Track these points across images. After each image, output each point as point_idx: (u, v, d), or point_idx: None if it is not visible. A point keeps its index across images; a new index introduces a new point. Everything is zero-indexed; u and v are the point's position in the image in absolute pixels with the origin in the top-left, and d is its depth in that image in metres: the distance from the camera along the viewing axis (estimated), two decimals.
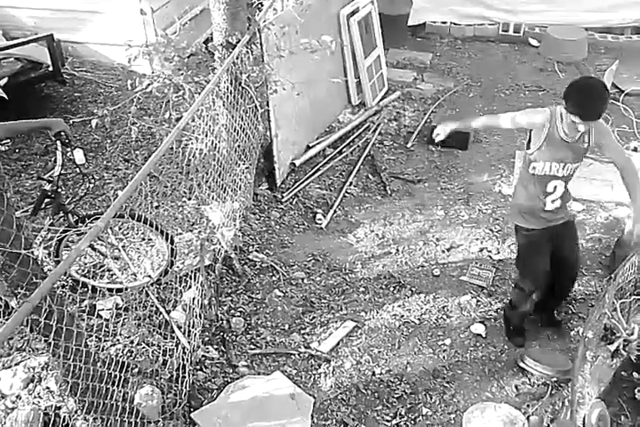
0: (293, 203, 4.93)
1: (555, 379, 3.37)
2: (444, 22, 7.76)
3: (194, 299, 3.67)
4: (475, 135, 5.76)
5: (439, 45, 7.55)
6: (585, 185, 5.01)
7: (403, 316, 3.95)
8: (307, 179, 5.19)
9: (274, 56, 4.68)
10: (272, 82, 4.67)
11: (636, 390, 3.06)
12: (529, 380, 3.49)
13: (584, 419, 2.88)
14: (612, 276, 3.41)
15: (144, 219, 3.58)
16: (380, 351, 3.70)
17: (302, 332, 3.81)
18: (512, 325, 3.79)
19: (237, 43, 4.31)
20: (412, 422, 3.29)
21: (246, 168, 4.68)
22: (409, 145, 5.71)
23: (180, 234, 4.28)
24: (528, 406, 3.27)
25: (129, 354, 3.35)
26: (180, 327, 3.54)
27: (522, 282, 3.64)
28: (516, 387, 3.46)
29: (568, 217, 3.51)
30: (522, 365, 3.54)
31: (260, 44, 4.59)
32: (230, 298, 3.96)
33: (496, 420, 2.97)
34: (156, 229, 3.68)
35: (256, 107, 4.66)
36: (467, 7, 7.57)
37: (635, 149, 5.42)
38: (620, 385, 3.17)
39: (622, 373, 3.23)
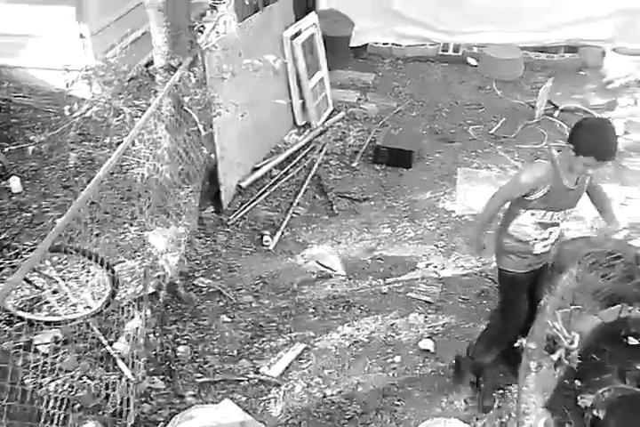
0: (240, 225, 4.89)
1: (501, 391, 3.42)
2: (386, 43, 7.93)
3: (137, 329, 3.57)
4: (418, 153, 5.87)
5: (381, 66, 7.70)
6: None
7: (352, 335, 3.94)
8: (253, 201, 5.17)
9: (217, 78, 4.68)
10: (215, 104, 4.65)
11: (578, 398, 3.12)
12: (478, 394, 3.52)
13: None
14: (552, 287, 3.48)
15: (81, 251, 3.47)
16: (330, 373, 3.67)
17: (251, 357, 3.75)
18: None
19: (179, 66, 4.29)
20: None
21: (191, 192, 4.63)
22: (354, 164, 5.76)
23: (123, 262, 4.18)
24: (477, 419, 3.29)
25: (69, 389, 3.22)
26: (123, 359, 3.44)
27: (501, 329, 3.44)
28: (465, 401, 3.47)
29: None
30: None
31: (203, 67, 4.58)
32: (176, 326, 3.87)
33: None
34: (95, 259, 3.56)
35: (199, 129, 4.63)
36: (407, 28, 7.76)
37: None
38: (563, 393, 3.22)
39: (565, 381, 3.29)
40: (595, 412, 3.06)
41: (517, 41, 7.56)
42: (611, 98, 6.66)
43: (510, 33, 7.53)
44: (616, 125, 2.98)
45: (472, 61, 7.68)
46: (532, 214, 3.11)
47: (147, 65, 5.64)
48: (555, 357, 3.19)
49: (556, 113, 6.46)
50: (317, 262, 4.43)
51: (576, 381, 3.25)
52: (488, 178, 5.51)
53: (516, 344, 3.31)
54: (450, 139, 6.23)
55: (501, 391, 3.30)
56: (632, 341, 3.52)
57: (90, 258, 3.58)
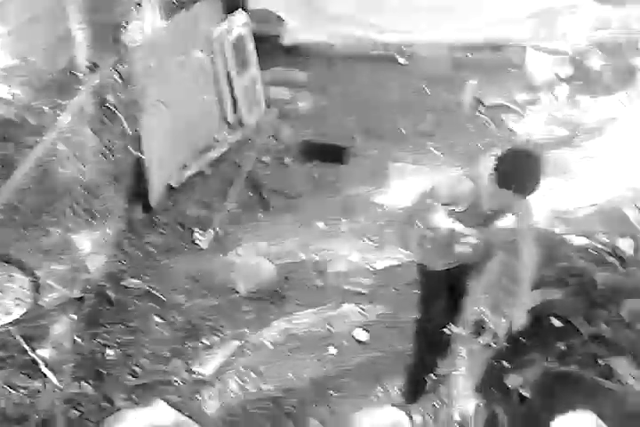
0: (171, 225, 4.78)
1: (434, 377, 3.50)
2: (317, 42, 7.95)
3: (63, 334, 3.44)
4: (351, 150, 5.92)
5: (313, 64, 7.69)
6: None
7: (287, 330, 3.93)
8: (184, 199, 5.07)
9: (143, 77, 4.58)
10: (142, 103, 4.55)
11: (505, 378, 3.20)
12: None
13: (462, 412, 2.98)
14: (479, 272, 3.58)
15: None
16: (265, 368, 3.65)
17: (184, 357, 3.68)
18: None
19: (103, 64, 4.18)
20: None
21: (118, 191, 4.52)
22: (287, 161, 5.75)
23: (47, 266, 4.01)
24: (411, 405, 3.33)
25: None
26: (47, 365, 3.30)
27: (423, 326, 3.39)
28: (399, 388, 3.51)
29: None
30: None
31: (128, 65, 4.48)
32: (105, 329, 3.76)
33: (381, 422, 3.00)
34: (15, 265, 3.40)
35: (126, 128, 4.52)
36: (339, 27, 7.81)
37: None
38: (492, 375, 3.31)
39: (493, 363, 3.38)
40: (522, 391, 3.16)
41: (445, 40, 7.74)
42: (533, 94, 6.91)
43: (438, 32, 7.70)
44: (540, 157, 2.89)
45: (401, 60, 7.80)
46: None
47: (69, 64, 5.48)
48: (482, 340, 3.28)
49: (483, 109, 6.65)
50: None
51: (503, 362, 3.35)
52: (419, 173, 5.61)
53: (444, 330, 3.37)
54: (381, 135, 6.31)
55: (433, 378, 3.35)
56: (554, 322, 3.65)
57: (8, 263, 3.42)
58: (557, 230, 4.40)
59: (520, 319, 3.06)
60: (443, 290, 3.32)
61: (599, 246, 3.78)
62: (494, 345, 3.26)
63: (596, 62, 6.58)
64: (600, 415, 2.64)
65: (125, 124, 4.53)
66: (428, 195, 3.10)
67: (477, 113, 6.57)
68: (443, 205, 2.96)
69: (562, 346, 3.44)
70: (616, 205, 4.69)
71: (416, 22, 7.62)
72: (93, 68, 4.36)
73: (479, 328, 3.29)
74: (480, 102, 6.75)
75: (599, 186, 5.28)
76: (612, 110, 6.42)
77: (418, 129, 6.38)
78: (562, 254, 3.79)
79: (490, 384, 3.17)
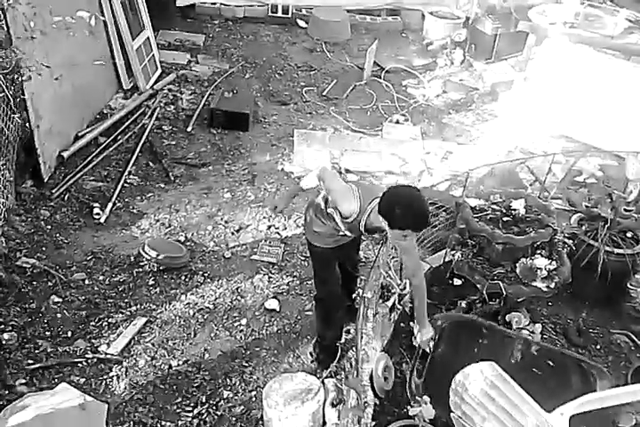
0: (65, 199, 4.51)
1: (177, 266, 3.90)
2: (214, 3, 7.64)
3: None
4: (254, 116, 5.80)
5: (211, 26, 7.43)
6: (356, 157, 5.34)
7: (196, 303, 3.86)
8: (78, 171, 4.79)
9: (24, 38, 4.20)
10: (25, 67, 4.19)
11: (412, 338, 3.34)
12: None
13: (371, 373, 3.08)
14: (384, 238, 3.66)
15: None
16: (175, 343, 3.58)
17: (88, 337, 3.53)
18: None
19: None
20: (214, 407, 3.25)
21: (3, 165, 4.18)
22: (189, 129, 5.55)
23: None
24: (322, 370, 3.40)
25: None
26: None
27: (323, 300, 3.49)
28: (310, 354, 3.58)
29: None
30: (141, 252, 4.03)
31: (6, 26, 4.08)
32: None
33: (293, 389, 3.04)
34: None
35: (8, 96, 4.15)
36: None
37: (397, 122, 5.90)
38: (400, 336, 3.44)
39: (401, 324, 3.51)
40: (427, 349, 3.30)
41: (343, 4, 7.68)
42: (430, 58, 7.05)
43: None
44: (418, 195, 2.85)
45: (302, 23, 7.68)
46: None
47: None
48: (389, 303, 3.38)
49: (383, 74, 6.71)
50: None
51: (410, 322, 3.48)
52: (323, 138, 5.62)
53: (353, 295, 3.45)
54: (284, 101, 6.23)
55: (342, 342, 3.43)
56: (456, 281, 3.83)
57: None
58: (455, 193, 4.57)
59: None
60: (335, 267, 3.38)
61: (494, 207, 3.95)
62: (400, 307, 3.37)
63: (487, 27, 6.77)
64: (499, 363, 2.80)
65: (8, 91, 4.15)
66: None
67: (378, 78, 6.62)
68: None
69: (463, 304, 3.63)
70: (510, 166, 4.93)
71: None
72: None
73: (386, 291, 3.38)
74: (380, 67, 6.80)
75: (494, 148, 5.53)
76: (504, 74, 6.69)
77: (320, 94, 6.35)
78: (460, 216, 3.94)
79: (398, 344, 3.29)
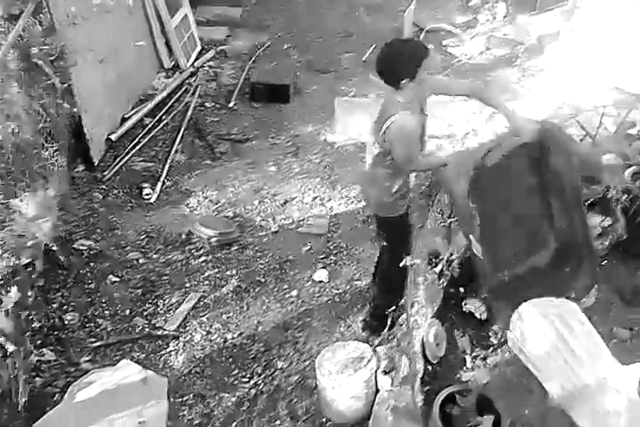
0: (116, 180, 4.65)
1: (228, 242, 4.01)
2: None
3: (17, 303, 3.37)
4: (295, 87, 5.76)
5: None
6: None
7: (247, 277, 3.94)
8: (127, 153, 4.90)
9: (67, 24, 4.29)
10: (69, 53, 4.28)
11: (462, 304, 3.31)
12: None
13: (422, 339, 3.08)
14: (431, 203, 3.61)
15: None
16: (229, 317, 3.68)
17: (145, 314, 3.67)
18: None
19: (21, 13, 3.88)
20: (270, 377, 3.34)
21: (55, 151, 4.31)
22: (231, 104, 5.58)
23: None
24: (374, 338, 3.43)
25: None
26: (5, 335, 3.24)
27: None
28: (361, 322, 3.60)
29: None
30: (192, 229, 4.08)
31: (49, 13, 4.16)
32: (60, 293, 3.71)
33: (346, 358, 3.09)
34: None
35: (55, 82, 4.27)
36: None
37: None
38: (450, 302, 3.41)
39: (450, 290, 3.48)
40: (478, 315, 3.27)
41: None
42: (471, 15, 6.77)
43: None
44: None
45: None
46: None
47: None
48: (437, 269, 3.35)
49: (422, 34, 6.50)
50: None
51: (460, 288, 3.44)
52: (365, 106, 5.52)
53: (400, 264, 3.43)
54: (324, 69, 6.14)
55: (393, 309, 3.44)
56: None
57: None
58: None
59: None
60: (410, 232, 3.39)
61: None
62: (449, 273, 3.33)
63: None
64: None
65: (55, 78, 4.26)
66: None
67: (417, 39, 6.43)
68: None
69: None
70: (558, 122, 4.73)
71: None
72: (11, 18, 4.04)
73: (434, 257, 3.35)
74: (419, 28, 6.59)
75: (541, 104, 5.31)
76: (550, 26, 6.36)
77: (360, 60, 6.22)
78: None
79: (448, 310, 3.27)
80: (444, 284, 3.41)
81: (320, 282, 3.89)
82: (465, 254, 3.31)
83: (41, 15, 4.11)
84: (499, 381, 2.91)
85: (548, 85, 5.57)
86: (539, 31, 6.30)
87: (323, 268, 3.99)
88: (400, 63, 2.86)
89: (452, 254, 3.38)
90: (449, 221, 3.52)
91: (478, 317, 3.23)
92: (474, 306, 3.31)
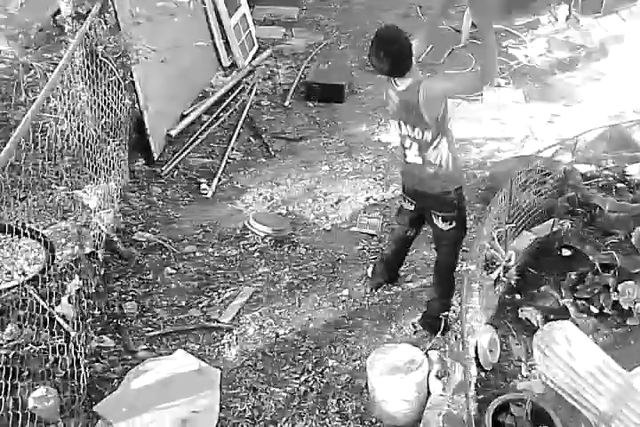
0: (174, 175, 4.76)
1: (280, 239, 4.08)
2: None
3: (79, 290, 3.50)
4: (349, 87, 5.77)
5: None
6: (456, 124, 5.17)
7: (300, 274, 3.97)
8: (185, 149, 5.01)
9: (130, 24, 4.42)
10: (133, 51, 4.41)
11: (519, 311, 3.27)
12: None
13: (476, 345, 3.05)
14: (488, 208, 3.57)
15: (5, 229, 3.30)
16: (281, 313, 3.72)
17: (200, 306, 3.74)
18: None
19: (88, 13, 4.02)
20: (320, 375, 3.36)
21: (117, 145, 4.45)
22: (286, 103, 5.63)
23: (55, 223, 4.02)
24: (426, 341, 3.41)
25: (15, 358, 3.15)
26: (67, 321, 3.37)
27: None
28: (413, 325, 3.60)
29: None
30: (247, 225, 4.18)
31: (115, 13, 4.30)
32: (119, 283, 3.81)
33: (397, 360, 3.08)
34: (16, 232, 3.39)
35: (119, 79, 4.40)
36: None
37: (498, 85, 5.65)
38: (505, 308, 3.37)
39: (506, 297, 3.43)
40: (535, 322, 3.23)
41: None
42: (533, 16, 6.65)
43: None
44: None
45: None
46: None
47: (53, 15, 5.27)
48: (494, 275, 3.31)
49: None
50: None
51: (516, 295, 3.40)
52: None
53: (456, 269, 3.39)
54: None
55: (446, 314, 3.42)
56: (565, 252, 3.67)
57: (17, 233, 3.40)
58: (563, 159, 4.33)
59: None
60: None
61: (607, 173, 3.73)
62: (506, 279, 3.29)
63: None
64: None
65: (118, 75, 4.39)
66: None
67: (476, 40, 6.34)
68: None
69: (573, 276, 3.48)
70: (623, 128, 4.60)
71: None
72: (79, 17, 4.18)
73: (490, 263, 3.31)
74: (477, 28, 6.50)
75: (605, 110, 5.17)
76: (614, 29, 6.19)
77: (416, 60, 6.16)
78: (569, 183, 3.75)
79: (504, 317, 3.23)
80: (500, 290, 3.37)
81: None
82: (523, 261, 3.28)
83: (106, 14, 4.24)
84: (555, 392, 2.86)
85: (611, 90, 5.42)
86: (602, 34, 6.15)
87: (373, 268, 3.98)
88: (406, 53, 2.98)
89: (509, 260, 3.34)
90: (506, 227, 3.47)
91: (535, 324, 3.18)
92: (530, 313, 3.28)
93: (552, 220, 3.73)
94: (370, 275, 3.88)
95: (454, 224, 3.24)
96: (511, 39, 6.35)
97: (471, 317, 3.09)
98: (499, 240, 3.44)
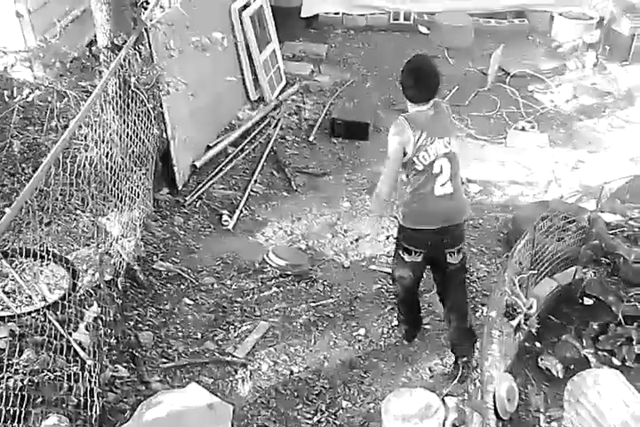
0: (197, 206, 4.80)
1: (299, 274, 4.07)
2: (337, 13, 7.78)
3: (97, 317, 3.50)
4: (374, 125, 5.83)
5: (333, 36, 7.57)
6: (480, 166, 5.20)
7: (316, 311, 3.95)
8: (209, 180, 5.07)
9: (164, 56, 4.53)
10: (164, 83, 4.51)
11: (539, 359, 3.20)
12: (441, 361, 3.59)
13: (494, 394, 2.98)
14: (510, 253, 3.54)
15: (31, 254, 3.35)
16: (296, 349, 3.69)
17: (216, 339, 3.73)
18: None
19: (123, 44, 4.13)
20: (333, 416, 3.31)
21: (143, 174, 4.51)
22: (311, 138, 5.70)
23: (77, 250, 4.06)
24: (442, 387, 3.35)
25: (29, 384, 3.14)
26: (84, 349, 3.36)
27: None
28: (429, 369, 3.54)
29: None
30: (265, 258, 4.19)
31: (149, 45, 4.43)
32: (137, 312, 3.82)
33: (412, 405, 3.02)
34: (42, 256, 3.44)
35: (149, 109, 4.49)
36: None
37: (523, 129, 5.68)
38: (525, 357, 3.31)
39: (526, 344, 3.37)
40: (555, 373, 3.16)
41: (467, 8, 7.53)
42: (560, 62, 6.72)
43: (460, 1, 7.49)
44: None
45: (423, 29, 7.62)
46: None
47: (89, 45, 5.43)
48: (514, 322, 3.26)
49: (507, 79, 6.49)
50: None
51: (536, 343, 3.34)
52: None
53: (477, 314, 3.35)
54: (404, 109, 6.18)
55: (465, 360, 3.36)
56: (587, 301, 3.62)
57: (42, 258, 3.46)
58: (588, 206, 4.31)
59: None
60: None
61: (632, 223, 3.69)
62: (526, 327, 3.24)
63: (625, 27, 6.33)
64: None
65: (148, 105, 4.49)
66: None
67: (502, 83, 6.42)
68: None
69: (595, 326, 3.42)
70: None
71: None
72: (114, 48, 4.31)
73: (511, 310, 3.27)
74: (505, 72, 6.59)
75: (631, 157, 5.17)
76: None
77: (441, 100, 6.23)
78: (593, 232, 3.72)
79: (523, 365, 3.17)
80: (521, 338, 3.32)
81: (389, 322, 3.85)
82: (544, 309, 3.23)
83: (141, 46, 4.36)
84: None
85: (636, 138, 5.42)
86: (630, 82, 6.19)
87: (392, 308, 3.95)
88: (438, 80, 3.20)
89: (530, 308, 3.30)
90: (528, 273, 3.44)
91: (555, 374, 3.12)
92: (550, 363, 3.21)
93: (575, 267, 3.69)
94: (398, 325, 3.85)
95: (462, 253, 3.33)
96: (537, 84, 6.41)
97: (490, 364, 3.03)
98: (520, 286, 3.40)
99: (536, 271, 3.49)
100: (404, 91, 3.24)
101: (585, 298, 3.63)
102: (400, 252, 3.40)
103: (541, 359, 3.21)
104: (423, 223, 3.27)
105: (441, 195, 3.22)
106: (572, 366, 3.19)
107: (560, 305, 3.56)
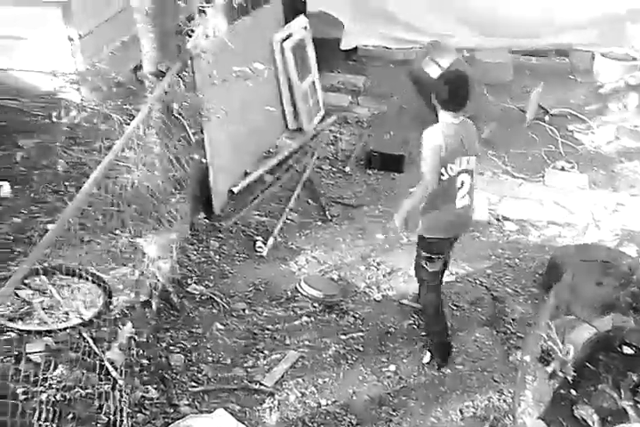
0: (233, 231, 4.84)
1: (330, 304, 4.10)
2: (376, 46, 7.90)
3: (130, 337, 3.53)
4: (410, 157, 5.85)
5: (372, 68, 7.67)
6: (517, 204, 5.16)
7: (347, 344, 3.92)
8: (245, 206, 5.13)
9: (206, 83, 4.65)
10: (206, 110, 4.62)
11: (574, 408, 3.11)
12: (472, 403, 3.52)
13: None
14: (547, 296, 3.48)
15: (64, 270, 3.43)
16: (324, 382, 3.65)
17: (245, 365, 3.71)
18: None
19: (168, 71, 4.25)
20: None
21: (182, 198, 4.59)
22: (347, 169, 5.74)
23: (114, 269, 4.12)
24: None
25: (62, 400, 3.16)
26: (116, 368, 3.39)
27: None
28: (460, 411, 3.47)
29: None
30: (298, 287, 4.22)
31: (192, 72, 4.54)
32: (169, 334, 3.83)
33: None
34: (79, 276, 3.51)
35: (190, 135, 4.59)
36: (397, 31, 7.75)
37: (562, 169, 5.64)
38: (559, 404, 3.22)
39: (561, 392, 3.28)
40: (590, 423, 3.06)
41: (507, 45, 7.58)
42: (601, 102, 6.70)
43: (500, 38, 7.55)
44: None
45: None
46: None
47: (135, 69, 5.60)
48: (550, 369, 3.18)
49: (547, 117, 6.47)
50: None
51: (571, 391, 3.25)
52: (480, 183, 5.50)
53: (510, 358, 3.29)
54: None
55: (498, 405, 3.29)
56: (627, 350, 3.52)
57: (73, 276, 3.53)
58: (629, 251, 4.24)
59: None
60: None
61: None
62: (562, 374, 3.16)
63: None
64: None
65: (189, 131, 4.59)
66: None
67: (541, 121, 6.41)
68: None
69: (634, 377, 3.32)
70: None
71: (479, 27, 7.50)
72: (159, 74, 4.43)
73: (546, 355, 3.20)
74: (545, 110, 6.58)
75: None
76: None
77: (479, 137, 6.24)
78: (634, 278, 3.65)
79: (557, 413, 3.08)
80: (556, 385, 3.23)
81: (419, 360, 3.79)
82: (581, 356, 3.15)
83: (185, 73, 4.48)
84: None
85: None
86: None
87: (423, 346, 3.90)
88: (469, 89, 3.45)
89: (566, 354, 3.22)
90: (566, 318, 3.37)
91: (591, 425, 3.02)
92: (586, 413, 3.11)
93: (614, 314, 3.60)
94: (429, 360, 3.81)
95: None
96: (578, 123, 6.38)
97: (523, 411, 2.97)
98: (557, 331, 3.33)
99: (574, 317, 3.41)
100: (438, 98, 3.41)
101: (624, 347, 3.52)
102: (422, 263, 3.67)
103: (577, 408, 3.11)
104: (444, 232, 3.57)
105: (460, 207, 3.51)
106: (608, 418, 3.09)
107: (598, 353, 3.46)
